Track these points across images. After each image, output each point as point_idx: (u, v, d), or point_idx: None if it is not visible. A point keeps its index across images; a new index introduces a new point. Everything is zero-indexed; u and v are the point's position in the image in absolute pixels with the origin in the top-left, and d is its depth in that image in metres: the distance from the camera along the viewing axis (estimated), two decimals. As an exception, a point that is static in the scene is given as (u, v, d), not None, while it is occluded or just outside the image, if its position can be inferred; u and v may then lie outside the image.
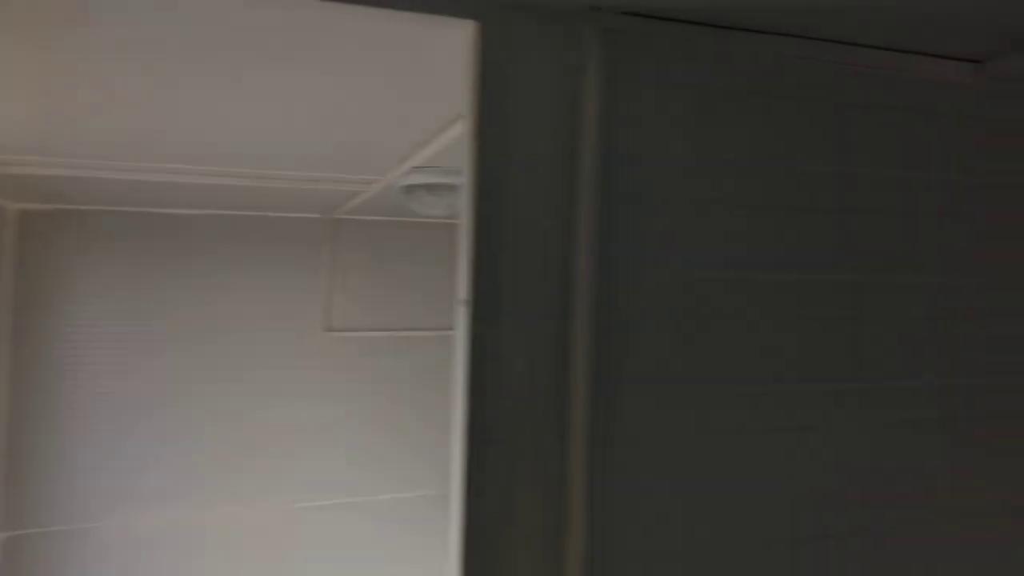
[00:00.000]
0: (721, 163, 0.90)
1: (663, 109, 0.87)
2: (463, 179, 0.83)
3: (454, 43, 0.84)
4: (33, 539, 2.30)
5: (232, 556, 2.51)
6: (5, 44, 0.89)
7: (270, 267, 2.55)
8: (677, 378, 0.89)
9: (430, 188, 1.77)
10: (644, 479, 0.88)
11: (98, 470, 2.36)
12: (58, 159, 1.59)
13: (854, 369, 0.97)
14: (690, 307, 0.89)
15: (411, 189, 1.84)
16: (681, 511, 0.89)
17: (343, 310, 2.62)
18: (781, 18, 0.88)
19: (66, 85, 1.07)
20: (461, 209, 0.83)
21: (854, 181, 0.97)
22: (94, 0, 0.78)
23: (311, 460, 2.60)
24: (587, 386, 0.84)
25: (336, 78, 1.02)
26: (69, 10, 0.80)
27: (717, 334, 0.90)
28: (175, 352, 2.45)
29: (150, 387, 2.42)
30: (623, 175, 0.86)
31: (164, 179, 1.60)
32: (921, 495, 1.01)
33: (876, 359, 0.98)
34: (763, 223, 0.92)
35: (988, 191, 1.05)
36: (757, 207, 0.92)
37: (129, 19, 0.82)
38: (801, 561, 0.95)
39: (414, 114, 1.21)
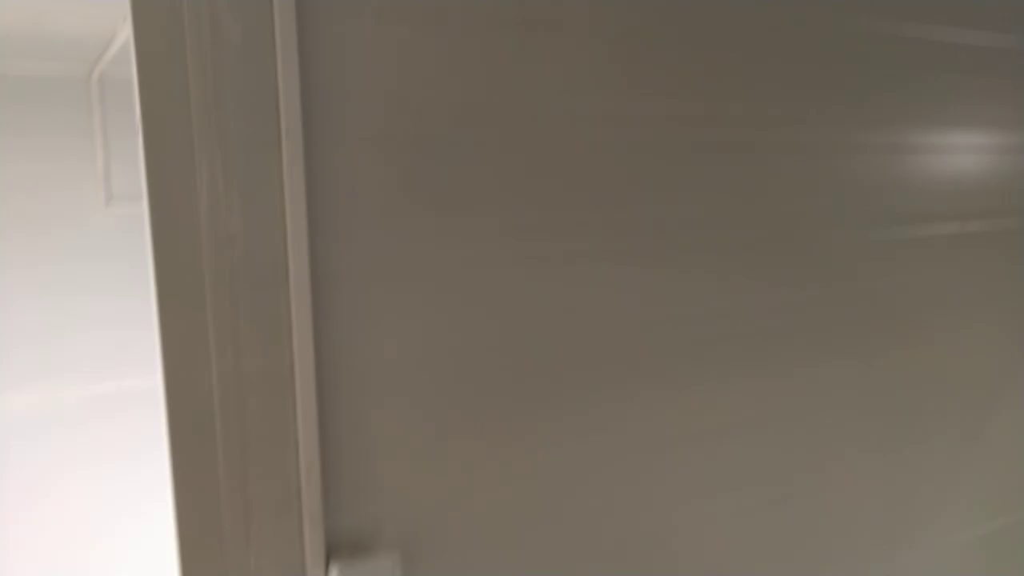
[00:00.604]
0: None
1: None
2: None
3: None
4: None
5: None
6: None
7: (34, 135, 2.23)
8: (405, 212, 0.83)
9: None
10: (373, 320, 0.83)
11: None
12: None
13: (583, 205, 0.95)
14: (409, 131, 0.81)
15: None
16: (424, 356, 0.86)
17: (123, 179, 2.36)
18: None
19: None
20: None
21: None
22: None
23: (95, 346, 2.40)
24: (304, 226, 0.75)
25: None
26: None
27: (445, 166, 0.84)
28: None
29: None
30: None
31: None
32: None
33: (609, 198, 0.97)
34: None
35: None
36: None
37: None
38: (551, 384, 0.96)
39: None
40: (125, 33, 1.68)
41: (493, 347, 0.90)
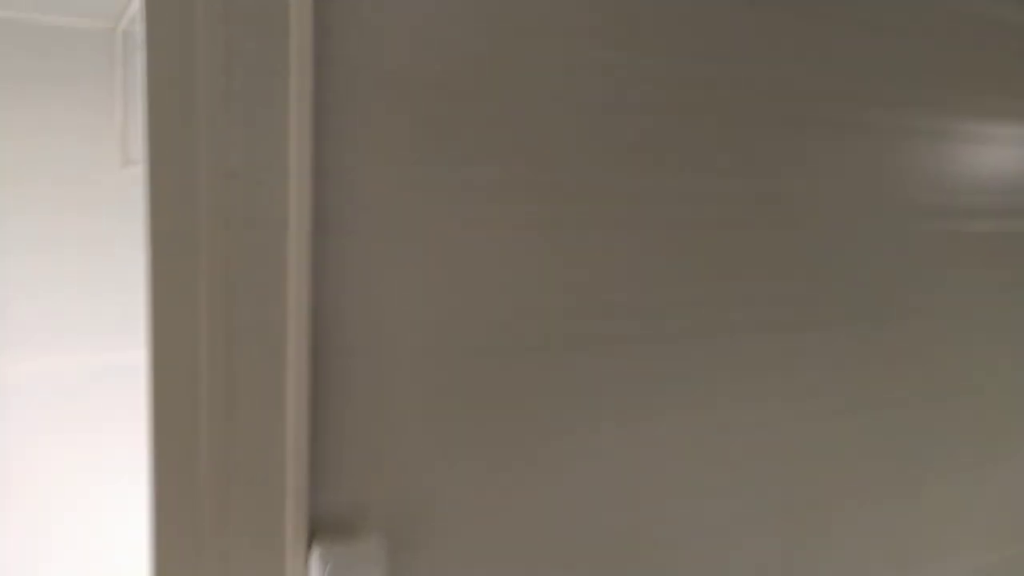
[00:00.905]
0: None
1: None
2: None
3: None
4: None
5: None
6: None
7: (50, 89, 2.19)
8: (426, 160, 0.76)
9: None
10: (375, 279, 0.77)
11: None
12: None
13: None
14: (430, 75, 0.75)
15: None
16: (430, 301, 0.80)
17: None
18: None
19: None
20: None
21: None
22: None
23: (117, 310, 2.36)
24: (309, 168, 0.70)
25: None
26: None
27: (465, 117, 0.77)
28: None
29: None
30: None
31: None
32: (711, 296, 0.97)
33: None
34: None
35: None
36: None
37: None
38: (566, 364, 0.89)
39: None
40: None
41: (500, 321, 0.83)
